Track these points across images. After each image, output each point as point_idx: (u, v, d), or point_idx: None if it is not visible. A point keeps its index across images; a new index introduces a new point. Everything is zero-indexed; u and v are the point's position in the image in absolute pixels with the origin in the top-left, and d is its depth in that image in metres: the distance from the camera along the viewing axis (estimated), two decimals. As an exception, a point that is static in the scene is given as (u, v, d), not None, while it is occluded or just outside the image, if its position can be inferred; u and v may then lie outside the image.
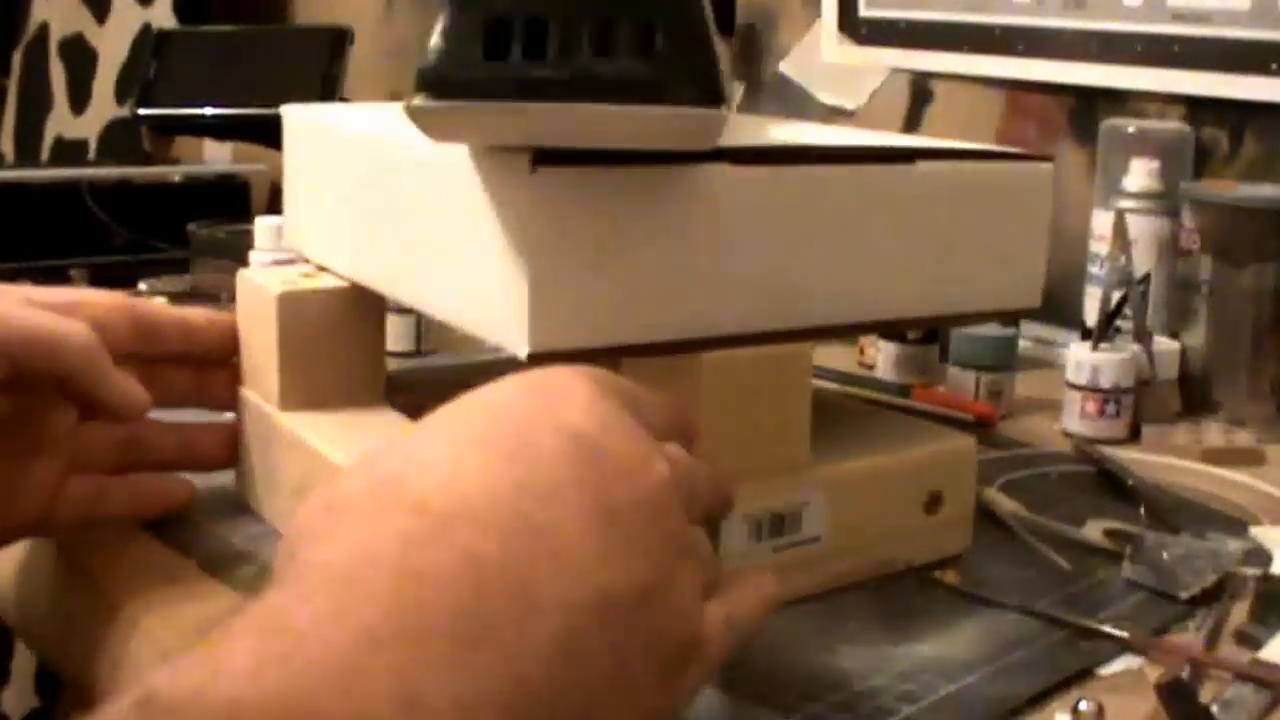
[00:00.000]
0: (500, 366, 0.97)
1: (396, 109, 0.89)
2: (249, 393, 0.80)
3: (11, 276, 1.43)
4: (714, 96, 0.56)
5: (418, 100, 0.56)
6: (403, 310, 1.14)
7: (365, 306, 0.79)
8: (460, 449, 0.46)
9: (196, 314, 0.79)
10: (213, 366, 0.80)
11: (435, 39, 0.56)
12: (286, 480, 0.76)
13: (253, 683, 0.36)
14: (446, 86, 0.56)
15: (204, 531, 0.78)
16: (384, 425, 0.76)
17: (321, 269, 0.81)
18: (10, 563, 0.79)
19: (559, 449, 0.46)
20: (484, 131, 0.60)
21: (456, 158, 0.64)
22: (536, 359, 0.60)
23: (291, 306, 0.76)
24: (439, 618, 0.39)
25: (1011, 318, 0.80)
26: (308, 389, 0.77)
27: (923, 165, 0.71)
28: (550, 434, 0.47)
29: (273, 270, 0.82)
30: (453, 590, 0.40)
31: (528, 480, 0.45)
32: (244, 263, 1.19)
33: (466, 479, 0.44)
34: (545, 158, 0.59)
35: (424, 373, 0.97)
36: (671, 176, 0.63)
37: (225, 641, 0.38)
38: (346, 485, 0.46)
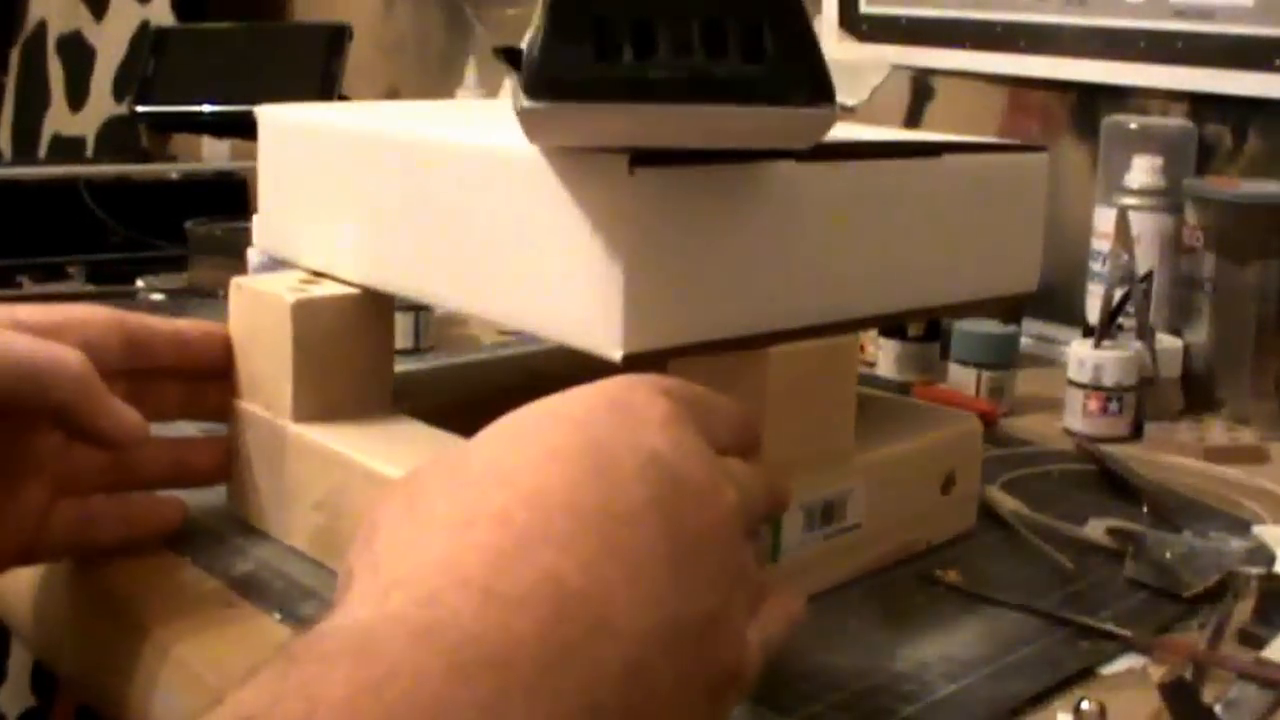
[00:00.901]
0: (501, 364, 0.97)
1: (409, 107, 0.89)
2: (249, 405, 0.77)
3: (9, 273, 1.44)
4: (827, 96, 0.58)
5: (528, 102, 0.56)
6: (401, 308, 1.14)
7: (375, 312, 0.78)
8: (541, 461, 0.46)
9: (189, 326, 0.77)
10: (205, 378, 0.78)
11: (543, 39, 0.56)
12: (306, 495, 0.74)
13: (350, 717, 0.36)
14: (559, 88, 0.55)
15: (230, 548, 0.76)
16: (410, 433, 0.75)
17: (317, 274, 0.79)
18: (25, 581, 0.77)
19: (638, 470, 0.46)
20: (593, 132, 0.60)
21: (528, 159, 0.63)
22: (631, 361, 0.61)
23: (306, 315, 0.74)
24: (521, 642, 0.39)
25: (1013, 303, 0.81)
26: (321, 399, 0.75)
27: (948, 158, 0.74)
28: (630, 453, 0.47)
29: (270, 278, 0.80)
30: (534, 612, 0.40)
31: (609, 501, 0.45)
32: (242, 260, 1.19)
33: (550, 494, 0.44)
34: (643, 159, 0.59)
35: (429, 375, 0.95)
36: (753, 174, 0.64)
37: (317, 665, 0.37)
38: (427, 488, 0.46)
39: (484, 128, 0.73)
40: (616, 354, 0.61)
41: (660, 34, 0.55)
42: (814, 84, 0.57)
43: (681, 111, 0.56)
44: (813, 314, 0.68)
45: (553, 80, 0.55)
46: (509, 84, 1.45)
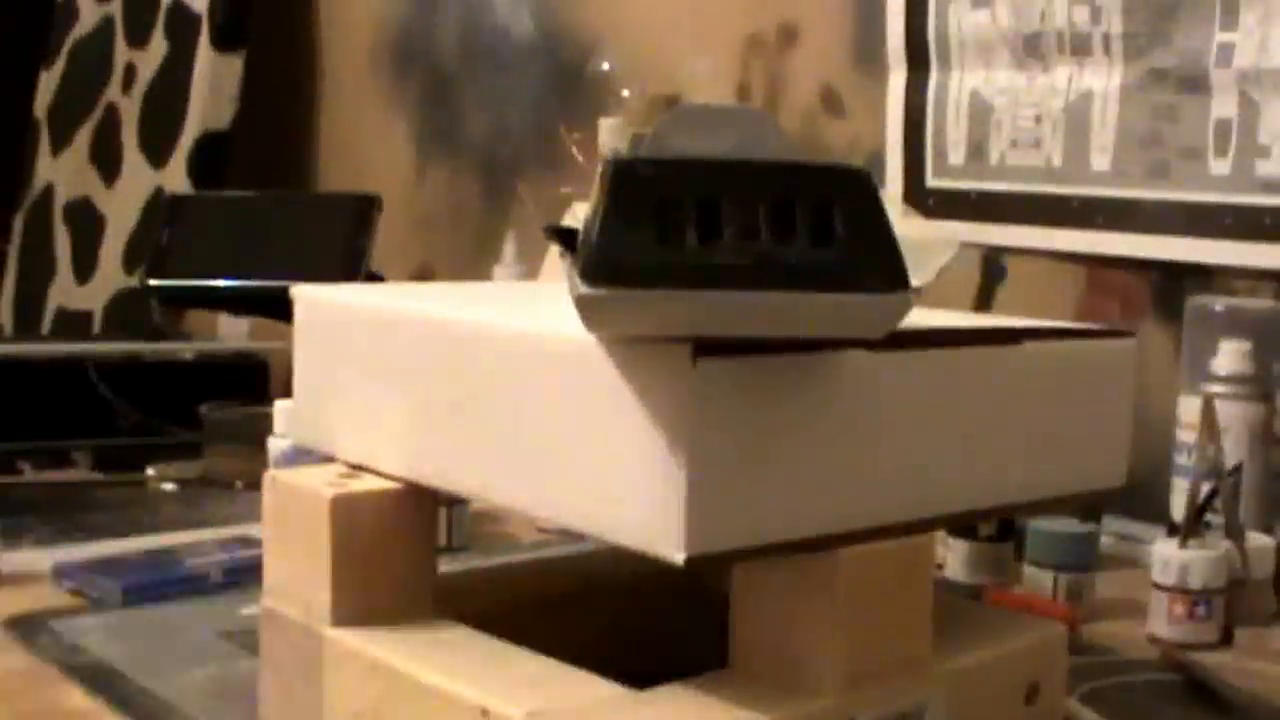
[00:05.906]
0: (550, 566, 0.97)
1: (454, 289, 0.90)
2: (282, 608, 0.78)
3: (9, 458, 1.46)
4: (901, 282, 0.59)
5: (586, 289, 0.57)
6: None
7: (418, 508, 0.78)
8: None
9: None
10: None
11: (602, 221, 0.57)
12: (344, 704, 0.74)
13: None
14: (620, 273, 0.56)
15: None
16: (457, 639, 0.75)
17: (357, 468, 0.80)
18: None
19: None
20: (655, 321, 0.61)
21: (585, 348, 0.65)
22: (693, 563, 0.62)
23: (345, 511, 0.75)
24: None
25: (1098, 499, 0.82)
26: (361, 602, 0.76)
27: (1029, 345, 0.76)
28: None
29: (305, 471, 0.80)
30: None
31: None
32: (262, 449, 1.21)
33: None
34: (707, 349, 0.61)
35: (471, 577, 0.95)
36: (823, 365, 0.65)
37: None
38: None
39: (536, 313, 0.75)
40: (678, 556, 0.62)
41: (725, 216, 0.56)
42: (888, 269, 0.58)
43: (748, 299, 0.57)
44: (886, 513, 0.69)
45: (613, 265, 0.56)
46: (550, 262, 1.48)
